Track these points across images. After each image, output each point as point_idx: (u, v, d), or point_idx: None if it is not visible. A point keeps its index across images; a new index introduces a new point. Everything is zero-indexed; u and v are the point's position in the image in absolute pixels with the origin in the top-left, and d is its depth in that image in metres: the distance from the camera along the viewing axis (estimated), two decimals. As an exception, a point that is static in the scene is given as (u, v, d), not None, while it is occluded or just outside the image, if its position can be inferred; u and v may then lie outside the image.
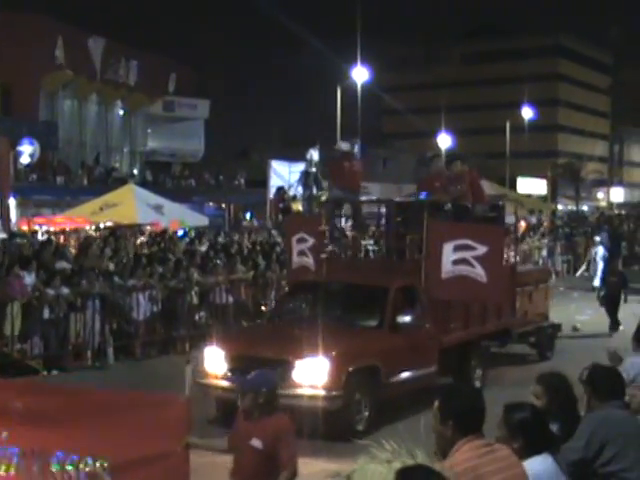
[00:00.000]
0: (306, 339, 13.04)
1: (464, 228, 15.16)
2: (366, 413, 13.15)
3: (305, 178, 37.92)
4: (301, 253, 16.72)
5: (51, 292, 18.66)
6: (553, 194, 67.08)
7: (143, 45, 56.38)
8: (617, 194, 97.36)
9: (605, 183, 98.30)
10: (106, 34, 51.40)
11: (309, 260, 16.47)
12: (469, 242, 14.44)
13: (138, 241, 29.07)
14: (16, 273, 18.77)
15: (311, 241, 16.48)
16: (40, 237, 28.21)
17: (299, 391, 12.52)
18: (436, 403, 5.11)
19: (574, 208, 74.95)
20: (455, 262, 14.53)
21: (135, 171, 51.94)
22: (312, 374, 12.59)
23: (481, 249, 14.36)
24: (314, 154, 38.26)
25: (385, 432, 12.02)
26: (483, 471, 4.73)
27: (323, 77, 56.29)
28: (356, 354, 13.52)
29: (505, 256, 17.59)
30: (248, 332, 16.41)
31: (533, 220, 46.47)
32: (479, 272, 14.33)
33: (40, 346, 18.06)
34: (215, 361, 13.38)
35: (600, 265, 31.71)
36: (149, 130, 55.20)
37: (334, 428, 12.31)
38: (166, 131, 54.39)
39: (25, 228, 31.20)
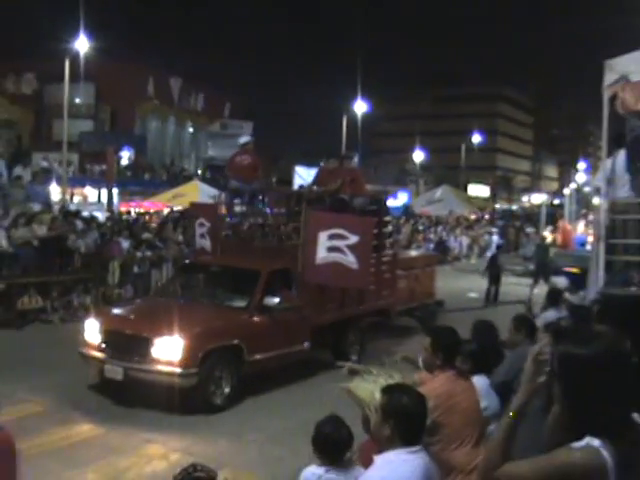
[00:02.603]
0: (170, 318, 10.47)
1: (339, 218, 12.59)
2: (227, 389, 10.57)
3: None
4: (201, 236, 14.19)
5: (139, 254, 18.72)
6: (493, 196, 66.91)
7: (207, 81, 56.07)
8: (537, 198, 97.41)
9: (529, 190, 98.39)
10: (182, 74, 51.44)
11: (207, 242, 14.05)
12: (343, 232, 12.09)
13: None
14: (116, 240, 18.80)
15: (207, 225, 14.10)
16: (133, 215, 28.25)
17: (158, 367, 10.07)
18: (428, 340, 5.07)
19: (507, 207, 74.75)
20: (329, 249, 12.20)
21: (199, 171, 51.80)
22: (169, 352, 10.05)
23: (353, 238, 11.99)
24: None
25: (247, 405, 10.82)
26: (454, 390, 4.83)
27: (333, 107, 55.97)
28: (215, 333, 10.79)
29: (388, 245, 15.62)
30: (123, 308, 12.96)
31: (479, 214, 46.35)
32: (350, 259, 11.99)
33: (131, 291, 18.11)
34: (92, 333, 10.87)
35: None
36: (209, 143, 55.08)
37: (192, 403, 10.12)
38: (221, 144, 54.11)
39: (123, 209, 31.42)
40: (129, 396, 10.36)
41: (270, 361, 11.47)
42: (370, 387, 4.52)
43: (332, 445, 4.45)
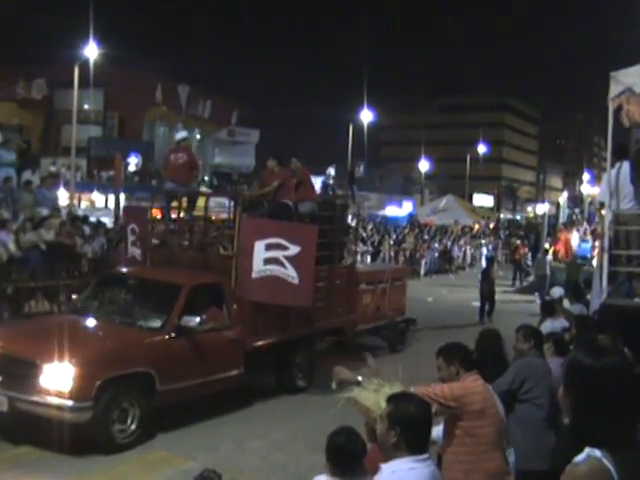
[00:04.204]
0: (65, 340, 8.63)
1: (277, 226, 10.81)
2: (133, 426, 8.80)
3: (325, 188, 37.71)
4: (133, 244, 12.41)
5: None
6: (498, 206, 66.85)
7: (215, 89, 56.19)
8: (541, 208, 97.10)
9: (533, 200, 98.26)
10: (190, 81, 51.57)
11: (137, 250, 12.30)
12: (282, 241, 10.42)
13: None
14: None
15: (138, 232, 12.45)
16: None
17: (46, 399, 8.27)
18: (440, 354, 5.15)
19: (511, 217, 74.58)
20: (266, 261, 10.47)
21: (206, 178, 51.84)
22: (58, 381, 8.28)
23: (293, 249, 10.38)
24: (332, 170, 37.98)
25: (249, 412, 10.56)
26: (486, 394, 4.93)
27: (339, 116, 56.03)
28: (117, 359, 8.92)
29: (346, 255, 14.11)
30: (18, 326, 11.08)
31: (484, 223, 46.29)
32: (290, 273, 10.37)
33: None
34: None
35: (483, 264, 29.35)
36: (217, 150, 55.10)
37: (89, 442, 8.47)
38: (228, 151, 54.15)
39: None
40: (14, 430, 8.79)
41: (189, 391, 9.75)
42: (374, 396, 4.51)
43: (346, 457, 4.40)
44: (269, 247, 10.54)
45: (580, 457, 2.56)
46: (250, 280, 10.60)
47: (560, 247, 24.80)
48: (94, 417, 8.44)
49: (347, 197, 29.81)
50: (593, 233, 25.95)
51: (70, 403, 8.29)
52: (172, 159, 12.91)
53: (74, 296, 12.94)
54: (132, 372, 9.00)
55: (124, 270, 12.16)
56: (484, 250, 31.94)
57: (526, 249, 33.40)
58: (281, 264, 10.45)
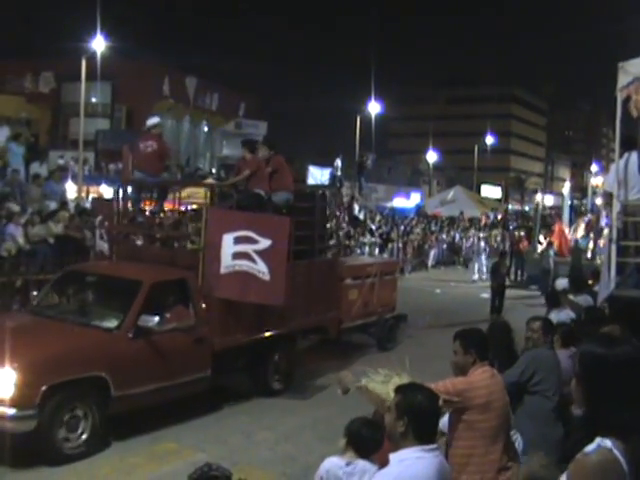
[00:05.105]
0: (7, 343, 8.00)
1: (246, 218, 9.99)
2: (84, 435, 8.10)
3: (332, 179, 37.75)
4: (101, 237, 11.77)
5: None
6: (506, 197, 66.64)
7: (222, 81, 56.15)
8: (549, 200, 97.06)
9: (541, 191, 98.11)
10: (198, 74, 51.57)
11: (105, 245, 11.63)
12: (251, 234, 9.63)
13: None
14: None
15: (106, 224, 11.66)
16: (148, 214, 28.19)
17: None
18: (457, 343, 5.05)
19: (519, 208, 74.40)
20: (235, 256, 9.70)
21: (213, 170, 51.78)
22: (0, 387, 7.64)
23: (264, 242, 9.57)
24: (339, 162, 38.08)
25: (257, 403, 10.45)
26: (493, 387, 4.88)
27: (347, 108, 55.94)
28: (66, 363, 8.10)
29: (329, 248, 13.26)
30: None
31: (492, 215, 46.08)
32: (261, 268, 9.54)
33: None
34: None
35: (483, 259, 29.07)
36: (224, 142, 55.11)
37: (32, 453, 7.81)
38: (236, 143, 54.07)
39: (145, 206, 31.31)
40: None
41: (150, 396, 8.97)
42: (383, 387, 4.55)
43: (368, 444, 4.65)
44: (238, 240, 9.76)
45: (591, 447, 2.57)
46: (218, 276, 9.84)
47: (555, 239, 24.59)
48: (39, 426, 7.73)
49: (333, 187, 29.32)
50: (588, 225, 25.93)
51: (12, 411, 7.62)
52: (141, 147, 11.96)
53: (34, 293, 12.04)
54: (83, 377, 8.22)
55: (84, 266, 11.46)
56: (482, 244, 31.49)
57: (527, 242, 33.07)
58: (251, 259, 9.66)
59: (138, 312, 8.96)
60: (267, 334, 10.88)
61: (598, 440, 2.56)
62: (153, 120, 12.52)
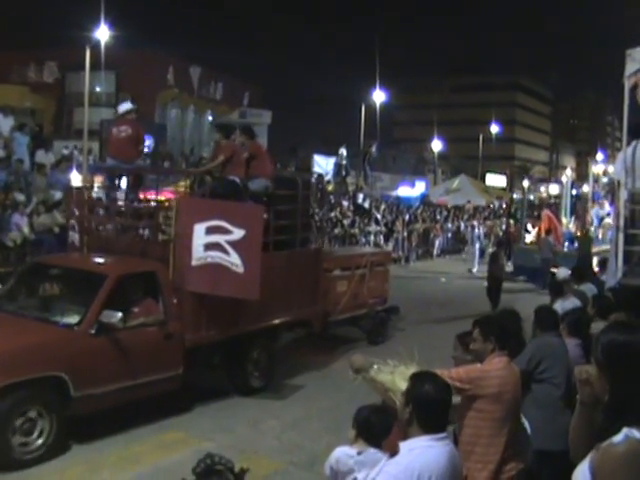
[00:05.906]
0: None
1: (218, 206, 9.43)
2: (41, 439, 7.57)
3: (337, 168, 37.71)
4: (72, 228, 10.96)
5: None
6: (510, 186, 66.56)
7: (226, 70, 56.09)
8: (553, 188, 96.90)
9: (546, 180, 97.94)
10: (201, 63, 51.49)
11: (77, 236, 10.83)
12: (224, 224, 9.02)
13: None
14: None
15: (77, 214, 11.04)
16: (152, 203, 28.22)
17: None
18: (477, 330, 5.04)
19: (524, 197, 74.32)
20: (207, 247, 9.12)
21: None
22: None
23: (237, 233, 8.96)
24: (343, 151, 38.04)
25: (264, 393, 10.35)
26: (507, 379, 4.89)
27: (352, 97, 55.84)
28: (20, 362, 7.53)
29: (313, 238, 12.72)
30: None
31: (497, 204, 45.98)
32: (234, 261, 8.94)
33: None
34: None
35: (477, 247, 29.05)
36: (229, 131, 55.12)
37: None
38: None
39: (141, 197, 31.36)
40: None
41: (114, 396, 8.39)
42: (390, 377, 4.55)
43: (378, 431, 4.58)
44: (210, 230, 9.14)
45: (618, 437, 2.53)
46: (189, 268, 9.25)
47: (545, 226, 24.41)
48: None
49: (338, 176, 28.80)
50: (576, 213, 25.96)
51: None
52: (114, 133, 11.41)
53: None
54: (39, 377, 7.64)
55: (50, 258, 10.99)
56: (476, 232, 31.27)
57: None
58: (223, 250, 9.06)
59: (101, 307, 8.39)
60: (244, 329, 10.29)
61: (625, 430, 2.52)
62: (125, 106, 11.90)
